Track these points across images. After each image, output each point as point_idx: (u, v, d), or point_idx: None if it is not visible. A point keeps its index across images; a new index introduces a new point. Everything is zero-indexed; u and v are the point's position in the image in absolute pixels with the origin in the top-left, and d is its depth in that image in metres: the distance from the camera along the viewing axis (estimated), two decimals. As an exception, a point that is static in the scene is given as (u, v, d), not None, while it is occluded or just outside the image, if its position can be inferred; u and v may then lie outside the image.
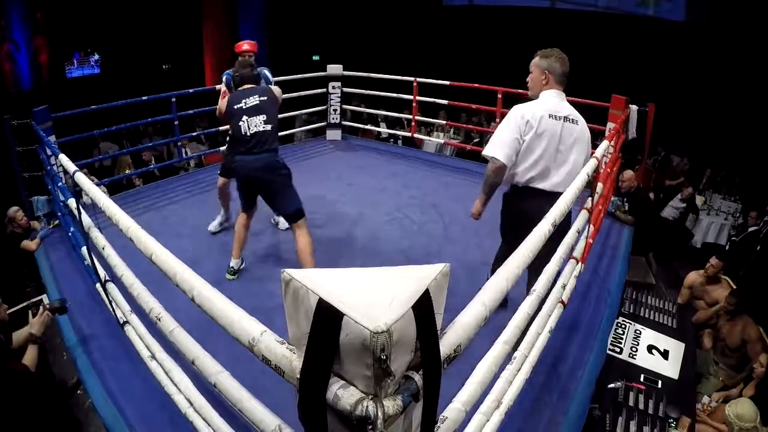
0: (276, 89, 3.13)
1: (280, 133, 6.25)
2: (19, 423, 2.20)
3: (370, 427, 0.78)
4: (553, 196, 2.05)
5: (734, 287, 3.96)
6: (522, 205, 2.36)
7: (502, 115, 5.21)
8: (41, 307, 2.53)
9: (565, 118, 2.31)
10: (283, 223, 3.89)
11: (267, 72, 3.39)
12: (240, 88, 3.05)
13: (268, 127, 2.97)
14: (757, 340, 3.46)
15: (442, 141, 7.42)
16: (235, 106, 2.96)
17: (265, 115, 2.96)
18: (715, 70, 7.71)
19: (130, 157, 6.19)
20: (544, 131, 2.26)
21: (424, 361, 0.85)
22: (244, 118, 2.93)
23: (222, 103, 3.08)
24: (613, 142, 3.62)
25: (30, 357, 2.37)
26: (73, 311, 2.98)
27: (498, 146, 2.27)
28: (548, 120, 2.27)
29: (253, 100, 2.96)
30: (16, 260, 3.92)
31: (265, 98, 2.99)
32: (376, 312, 0.76)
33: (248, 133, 2.94)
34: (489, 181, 2.38)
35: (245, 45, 3.66)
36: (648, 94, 5.15)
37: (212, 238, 3.88)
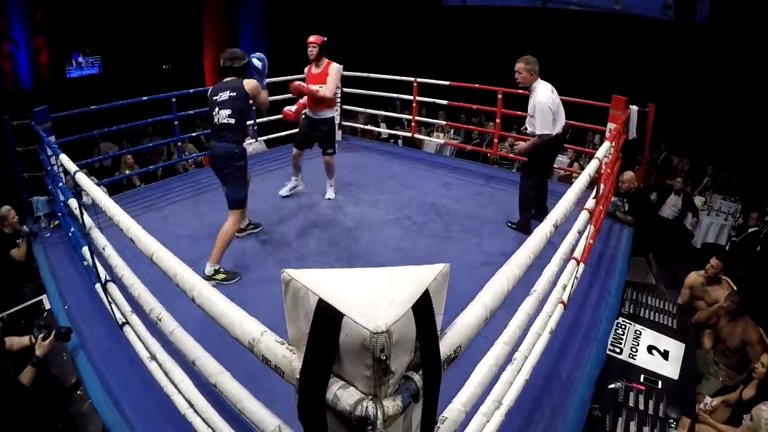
0: (249, 83, 3.28)
1: (282, 133, 6.31)
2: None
3: (369, 427, 0.78)
4: (561, 134, 3.81)
5: (734, 288, 3.96)
6: (552, 144, 3.80)
7: (503, 116, 5.31)
8: (53, 333, 2.48)
9: (557, 93, 3.73)
10: (329, 193, 4.70)
11: (256, 60, 3.46)
12: (225, 79, 3.29)
13: (232, 121, 3.23)
14: (758, 342, 3.45)
15: (442, 141, 7.42)
16: (213, 98, 3.26)
17: (230, 110, 3.22)
18: (716, 71, 7.71)
19: (132, 157, 6.17)
20: (558, 106, 3.70)
21: (423, 362, 0.85)
22: (216, 109, 3.25)
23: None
24: (614, 143, 3.62)
25: (27, 378, 2.36)
26: (74, 312, 2.99)
27: (548, 127, 3.64)
28: (557, 98, 3.70)
29: (224, 95, 3.22)
30: (7, 262, 3.90)
31: (235, 94, 3.22)
32: (375, 312, 0.76)
33: (216, 123, 3.25)
34: (540, 142, 3.71)
35: (311, 37, 4.28)
36: (648, 95, 5.15)
37: (212, 238, 3.87)
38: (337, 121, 4.58)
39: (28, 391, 2.34)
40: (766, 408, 2.59)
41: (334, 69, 4.26)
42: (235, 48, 3.39)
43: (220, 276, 3.30)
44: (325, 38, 4.30)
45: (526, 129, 4.00)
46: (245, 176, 3.42)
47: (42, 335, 2.43)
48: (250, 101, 3.32)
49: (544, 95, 3.62)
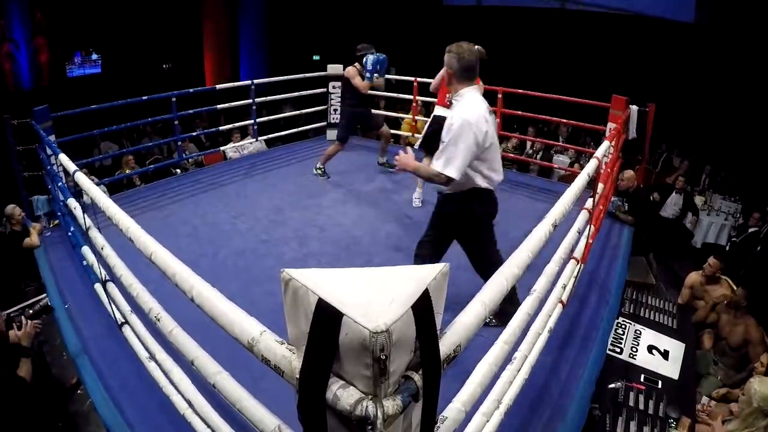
0: (348, 70, 4.71)
1: (281, 133, 6.31)
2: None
3: (369, 427, 0.78)
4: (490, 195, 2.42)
5: (734, 287, 3.96)
6: (487, 206, 2.45)
7: (502, 115, 5.30)
8: (23, 318, 2.46)
9: (493, 126, 2.34)
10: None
11: (369, 56, 4.52)
12: None
13: (339, 92, 5.19)
14: (760, 343, 3.46)
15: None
16: None
17: (341, 90, 5.12)
18: (716, 71, 7.71)
19: (133, 157, 6.15)
20: (491, 141, 2.29)
21: (423, 361, 0.85)
22: None
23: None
24: (613, 143, 3.62)
25: (24, 370, 2.35)
26: (73, 311, 2.99)
27: (456, 165, 2.21)
28: (492, 130, 2.29)
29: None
30: (17, 260, 3.91)
31: (343, 74, 4.81)
32: (375, 312, 0.76)
33: None
34: (441, 182, 2.31)
35: None
36: (648, 94, 5.15)
37: (211, 238, 3.88)
38: (431, 122, 4.21)
39: (30, 385, 2.34)
40: (757, 380, 2.63)
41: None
42: (363, 43, 4.64)
43: (320, 171, 5.02)
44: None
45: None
46: (346, 126, 4.92)
47: (17, 324, 2.42)
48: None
49: (469, 112, 2.21)
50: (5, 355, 2.39)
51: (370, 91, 4.82)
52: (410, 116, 6.92)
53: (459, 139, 2.18)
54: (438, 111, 3.98)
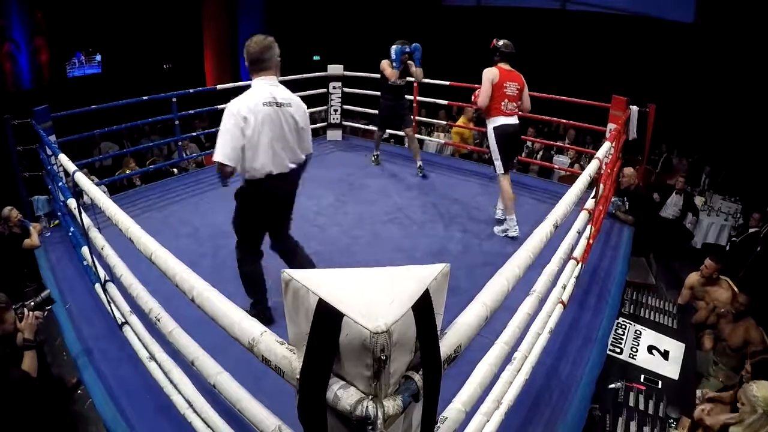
0: (381, 63, 5.02)
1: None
2: (19, 428, 2.19)
3: (370, 427, 0.78)
4: (273, 180, 2.41)
5: (734, 288, 3.96)
6: (257, 191, 2.44)
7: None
8: (25, 310, 2.45)
9: (285, 113, 2.40)
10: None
11: (393, 46, 4.86)
12: None
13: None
14: (760, 342, 3.46)
15: (443, 141, 7.42)
16: None
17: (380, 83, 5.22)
18: (716, 71, 7.71)
19: (132, 158, 6.16)
20: (260, 126, 2.30)
21: (424, 362, 0.85)
22: None
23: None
24: (614, 144, 3.62)
25: (28, 363, 2.34)
26: (73, 311, 2.99)
27: (224, 150, 2.27)
28: (264, 114, 2.31)
29: None
30: (16, 261, 3.91)
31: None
32: (375, 312, 0.76)
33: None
34: (222, 173, 2.36)
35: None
36: (648, 95, 5.15)
37: (212, 238, 3.88)
38: (492, 136, 3.85)
39: (35, 380, 2.33)
40: (754, 386, 2.58)
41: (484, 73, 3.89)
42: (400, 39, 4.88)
43: (375, 158, 5.73)
44: (494, 44, 3.97)
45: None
46: (379, 117, 5.37)
47: (18, 316, 2.41)
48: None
49: (237, 101, 2.29)
50: (11, 351, 2.39)
51: (410, 79, 5.14)
52: (461, 123, 6.93)
53: (223, 125, 2.27)
54: (494, 122, 3.83)
